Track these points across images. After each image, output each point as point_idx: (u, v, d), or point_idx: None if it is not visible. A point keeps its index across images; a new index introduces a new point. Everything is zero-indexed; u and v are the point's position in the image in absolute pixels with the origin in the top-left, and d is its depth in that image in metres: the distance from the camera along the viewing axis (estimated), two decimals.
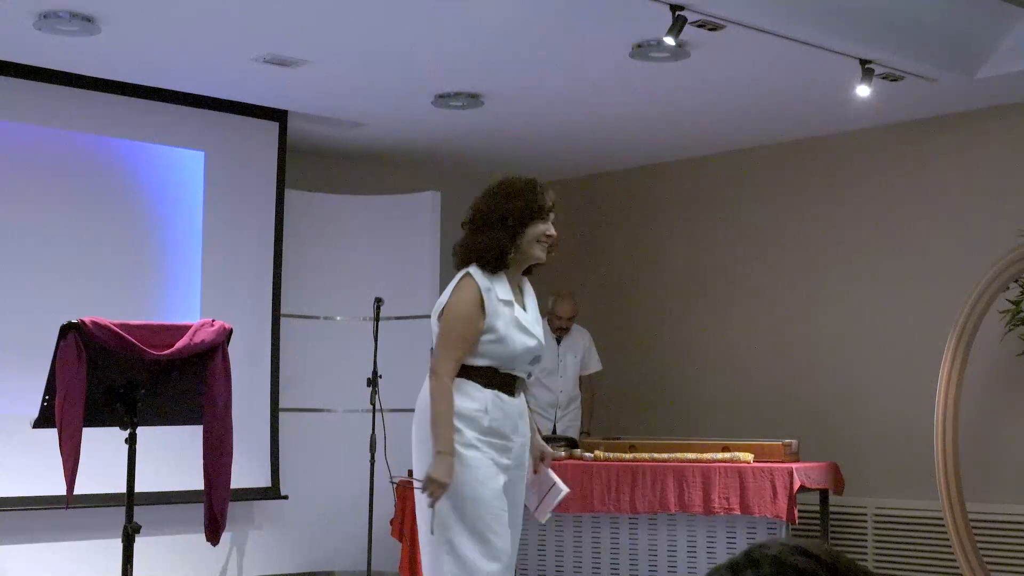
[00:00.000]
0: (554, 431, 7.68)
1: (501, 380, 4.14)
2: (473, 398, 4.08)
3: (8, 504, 6.28)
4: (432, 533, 4.05)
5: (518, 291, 4.24)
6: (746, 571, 1.31)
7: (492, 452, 4.09)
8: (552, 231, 4.20)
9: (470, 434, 4.06)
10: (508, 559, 4.11)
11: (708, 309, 8.37)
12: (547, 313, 7.84)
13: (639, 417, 8.53)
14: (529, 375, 4.28)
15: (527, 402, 4.31)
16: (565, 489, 4.40)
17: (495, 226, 4.11)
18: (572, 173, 9.10)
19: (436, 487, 3.98)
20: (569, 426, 7.78)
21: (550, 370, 7.78)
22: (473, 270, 4.12)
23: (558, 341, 7.81)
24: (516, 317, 4.14)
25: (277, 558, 7.46)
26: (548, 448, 4.43)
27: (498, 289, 4.12)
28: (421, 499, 4.08)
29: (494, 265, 4.12)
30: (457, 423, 4.05)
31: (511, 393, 4.17)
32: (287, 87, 6.81)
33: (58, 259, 6.60)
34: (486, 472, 4.07)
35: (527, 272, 4.31)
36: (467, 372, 4.10)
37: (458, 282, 4.13)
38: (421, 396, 4.18)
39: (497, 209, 4.11)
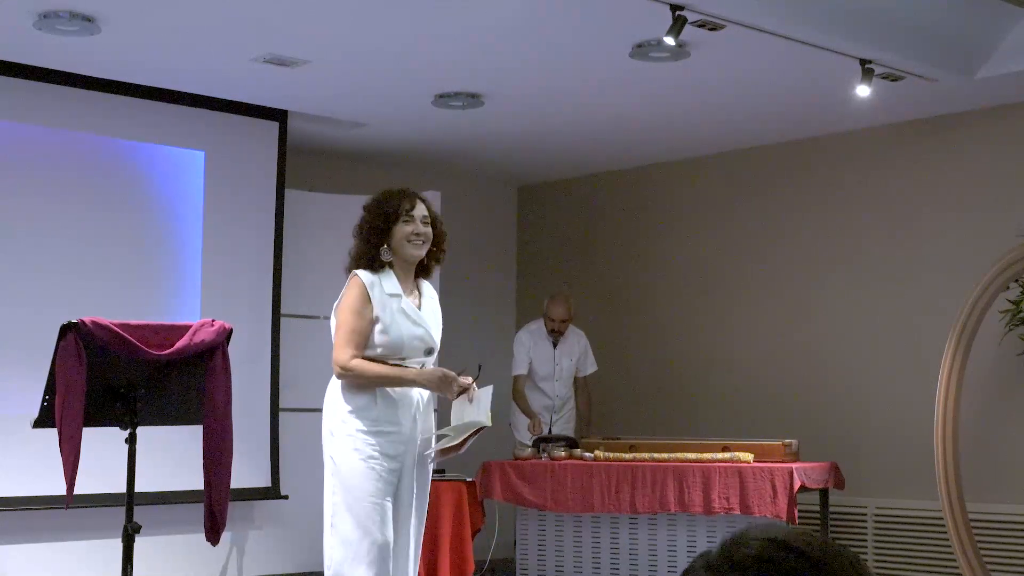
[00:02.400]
0: (549, 434, 7.64)
1: None
2: (363, 391, 4.42)
3: (8, 504, 6.28)
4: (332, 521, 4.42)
5: (415, 291, 4.61)
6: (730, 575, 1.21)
7: (380, 441, 4.38)
8: (419, 230, 4.53)
9: (357, 429, 4.38)
10: (386, 545, 4.38)
11: (708, 309, 8.37)
12: (542, 315, 7.86)
13: (639, 417, 8.53)
14: (423, 366, 4.53)
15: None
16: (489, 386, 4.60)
17: (363, 235, 4.55)
18: (572, 173, 9.10)
19: (446, 382, 4.40)
20: (564, 429, 7.74)
21: (545, 375, 7.77)
22: (359, 271, 4.51)
23: (554, 345, 7.79)
24: (402, 308, 4.50)
25: (277, 558, 7.45)
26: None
27: (384, 284, 4.49)
28: (329, 483, 4.42)
29: (369, 266, 4.50)
30: (348, 415, 4.40)
31: (419, 386, 4.49)
32: (287, 87, 6.81)
33: (58, 259, 6.60)
34: (368, 466, 4.36)
35: (424, 274, 4.67)
36: None
37: (348, 283, 4.54)
38: (329, 393, 4.50)
39: (365, 220, 4.57)
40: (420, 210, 4.54)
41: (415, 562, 4.53)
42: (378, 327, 4.43)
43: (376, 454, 4.37)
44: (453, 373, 4.45)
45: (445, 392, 4.46)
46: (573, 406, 7.90)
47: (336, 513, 4.39)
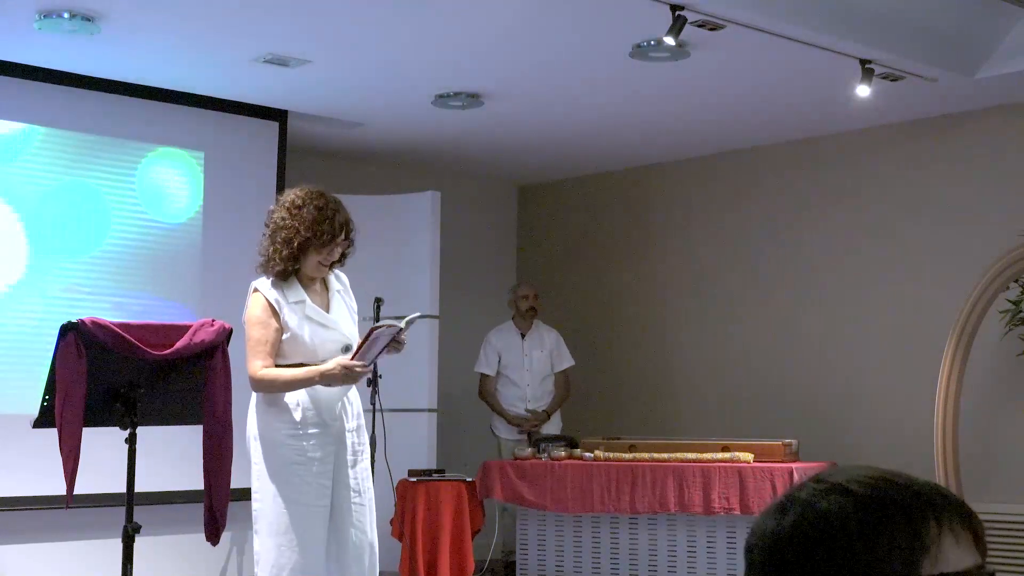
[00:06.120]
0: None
1: None
2: (287, 395, 4.43)
3: (8, 504, 6.28)
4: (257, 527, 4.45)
5: (323, 289, 4.54)
6: (776, 518, 1.21)
7: (306, 444, 4.39)
8: (334, 257, 4.44)
9: (281, 434, 4.39)
10: (315, 549, 4.36)
11: (707, 309, 8.37)
12: (512, 304, 8.09)
13: (639, 417, 8.53)
14: None
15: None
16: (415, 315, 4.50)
17: (278, 245, 4.40)
18: (572, 173, 9.10)
19: (350, 375, 4.30)
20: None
21: (515, 365, 7.91)
22: (260, 284, 4.44)
23: (522, 336, 7.97)
24: (307, 314, 4.46)
25: None
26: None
27: (288, 294, 4.43)
28: (253, 488, 4.44)
29: (276, 275, 4.44)
30: (271, 420, 4.41)
31: (326, 384, 4.45)
32: (287, 87, 6.80)
33: (58, 259, 6.60)
34: (292, 471, 4.38)
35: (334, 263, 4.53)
36: None
37: (250, 295, 4.47)
38: (253, 398, 4.49)
39: (288, 229, 4.40)
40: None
41: (371, 556, 4.50)
42: (286, 335, 4.42)
43: (301, 459, 4.36)
44: (349, 361, 4.34)
45: (353, 382, 4.42)
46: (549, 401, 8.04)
47: (259, 519, 4.39)
